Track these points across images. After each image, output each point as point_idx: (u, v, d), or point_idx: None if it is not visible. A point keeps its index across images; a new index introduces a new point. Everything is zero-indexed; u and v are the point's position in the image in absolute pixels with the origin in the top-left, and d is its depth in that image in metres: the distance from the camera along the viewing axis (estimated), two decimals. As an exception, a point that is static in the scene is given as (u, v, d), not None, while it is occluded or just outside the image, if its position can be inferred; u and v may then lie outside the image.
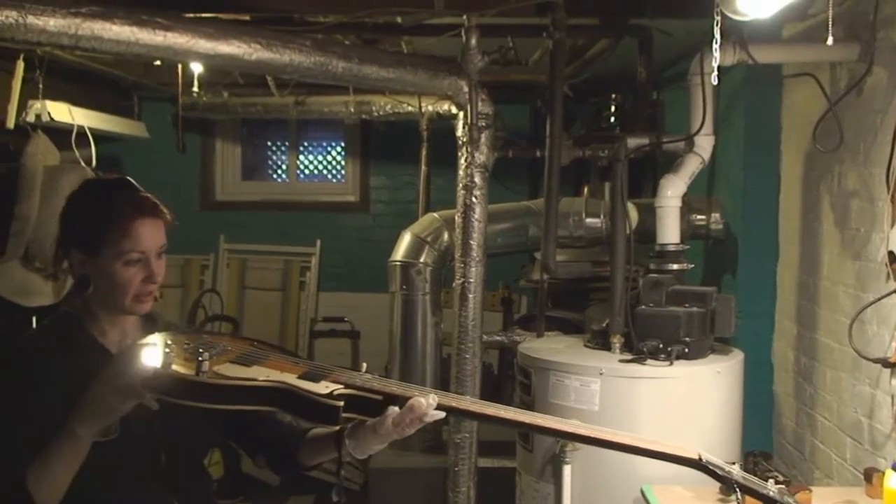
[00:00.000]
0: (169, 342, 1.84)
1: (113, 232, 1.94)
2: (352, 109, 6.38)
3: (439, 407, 1.79)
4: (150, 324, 2.05)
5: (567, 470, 3.09)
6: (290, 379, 1.78)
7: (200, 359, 1.77)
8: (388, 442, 1.89)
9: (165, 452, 2.04)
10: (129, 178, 2.09)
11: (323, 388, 1.77)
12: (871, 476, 2.72)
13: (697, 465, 1.75)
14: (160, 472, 2.03)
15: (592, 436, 1.82)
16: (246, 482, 5.93)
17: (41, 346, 1.98)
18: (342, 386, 1.79)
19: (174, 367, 1.76)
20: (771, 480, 1.80)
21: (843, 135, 3.07)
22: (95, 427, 1.79)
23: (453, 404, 1.81)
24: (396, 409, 1.77)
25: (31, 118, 4.55)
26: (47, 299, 2.05)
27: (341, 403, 1.75)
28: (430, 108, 6.05)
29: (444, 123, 5.78)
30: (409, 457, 4.40)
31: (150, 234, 1.98)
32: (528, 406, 3.30)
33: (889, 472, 2.23)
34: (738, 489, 1.73)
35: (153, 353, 1.79)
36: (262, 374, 1.79)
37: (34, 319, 2.30)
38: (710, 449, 3.04)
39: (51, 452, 1.81)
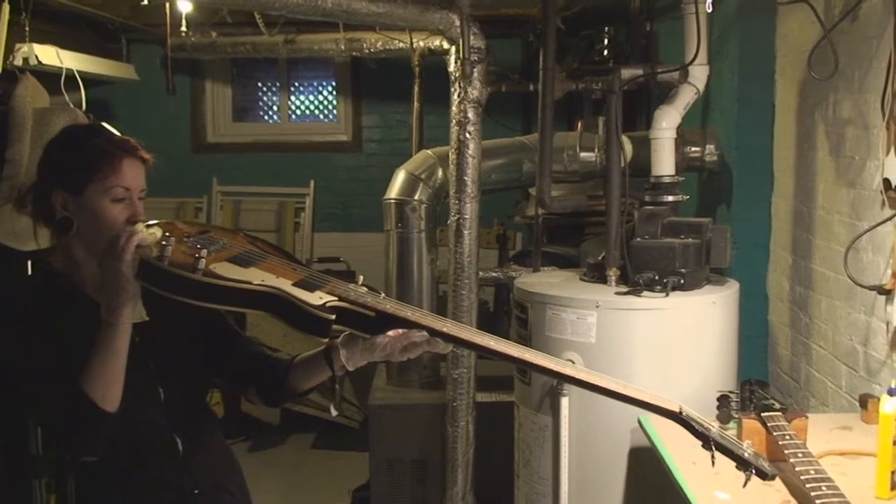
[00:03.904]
0: (168, 234, 1.84)
1: (99, 168, 1.95)
2: (342, 47, 6.31)
3: (435, 334, 1.81)
4: None
5: (565, 402, 3.12)
6: (285, 285, 1.77)
7: (197, 255, 1.77)
8: (381, 359, 1.91)
9: (163, 389, 2.05)
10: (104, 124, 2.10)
11: (317, 298, 1.76)
12: (866, 402, 2.74)
13: (677, 418, 1.75)
14: (160, 408, 2.05)
15: (577, 377, 1.82)
16: (247, 422, 6.00)
17: (31, 299, 1.99)
18: (336, 298, 1.78)
19: (170, 260, 1.77)
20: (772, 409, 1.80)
21: (838, 62, 3.04)
22: (121, 309, 1.83)
23: (445, 330, 1.81)
24: (395, 332, 1.80)
25: (18, 62, 4.50)
26: (44, 242, 2.04)
27: (333, 317, 1.75)
28: (422, 43, 5.99)
29: (435, 59, 5.73)
30: (408, 393, 4.44)
31: (134, 174, 1.99)
32: (526, 340, 3.32)
33: (884, 398, 2.24)
34: (713, 447, 1.73)
35: (151, 242, 1.80)
36: (258, 278, 1.79)
37: (29, 264, 2.30)
38: (706, 379, 3.10)
39: (97, 351, 1.85)
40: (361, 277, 1.91)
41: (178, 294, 1.76)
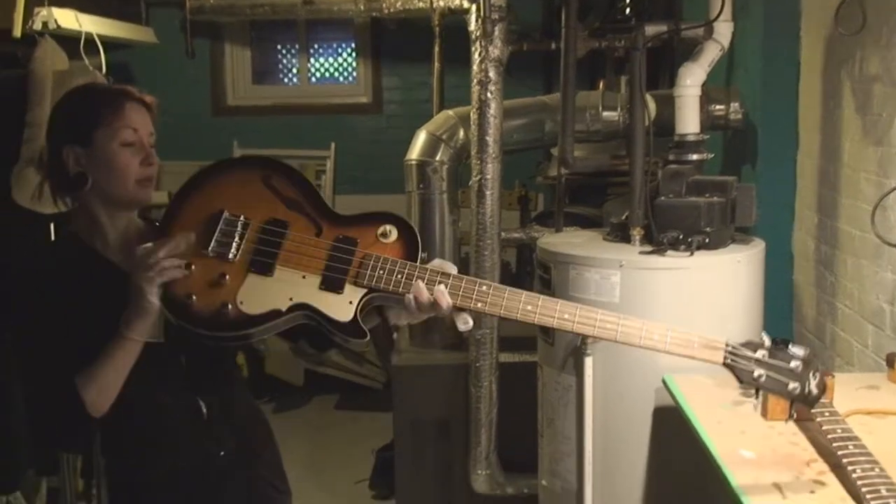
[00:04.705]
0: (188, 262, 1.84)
1: (103, 114, 1.96)
2: (361, 7, 6.25)
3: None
4: (151, 233, 2.02)
5: (589, 362, 3.11)
6: (312, 293, 1.82)
7: (221, 282, 1.83)
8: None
9: (185, 353, 2.05)
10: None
11: (346, 303, 1.81)
12: (893, 361, 2.72)
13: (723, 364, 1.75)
14: (181, 372, 2.06)
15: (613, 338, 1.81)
16: (270, 383, 6.03)
17: (48, 269, 1.99)
18: (365, 290, 1.83)
19: (196, 305, 1.80)
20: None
21: (866, 18, 2.99)
22: (136, 323, 1.83)
23: (479, 307, 1.88)
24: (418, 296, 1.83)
25: (37, 26, 4.49)
26: (63, 205, 2.05)
27: (367, 334, 1.83)
28: (442, 3, 5.92)
29: (456, 19, 5.66)
30: (431, 354, 4.45)
31: (138, 116, 2.00)
32: (549, 300, 3.30)
33: (912, 357, 2.23)
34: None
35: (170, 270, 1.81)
36: (284, 292, 1.82)
37: (52, 226, 2.30)
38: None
39: (101, 356, 1.85)
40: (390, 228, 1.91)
41: (213, 331, 1.83)
